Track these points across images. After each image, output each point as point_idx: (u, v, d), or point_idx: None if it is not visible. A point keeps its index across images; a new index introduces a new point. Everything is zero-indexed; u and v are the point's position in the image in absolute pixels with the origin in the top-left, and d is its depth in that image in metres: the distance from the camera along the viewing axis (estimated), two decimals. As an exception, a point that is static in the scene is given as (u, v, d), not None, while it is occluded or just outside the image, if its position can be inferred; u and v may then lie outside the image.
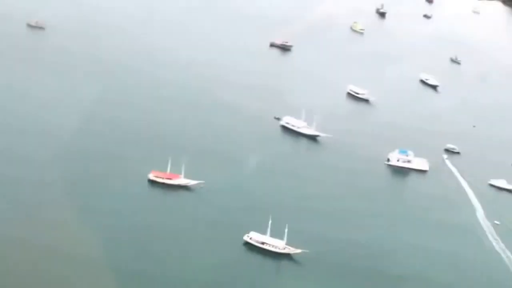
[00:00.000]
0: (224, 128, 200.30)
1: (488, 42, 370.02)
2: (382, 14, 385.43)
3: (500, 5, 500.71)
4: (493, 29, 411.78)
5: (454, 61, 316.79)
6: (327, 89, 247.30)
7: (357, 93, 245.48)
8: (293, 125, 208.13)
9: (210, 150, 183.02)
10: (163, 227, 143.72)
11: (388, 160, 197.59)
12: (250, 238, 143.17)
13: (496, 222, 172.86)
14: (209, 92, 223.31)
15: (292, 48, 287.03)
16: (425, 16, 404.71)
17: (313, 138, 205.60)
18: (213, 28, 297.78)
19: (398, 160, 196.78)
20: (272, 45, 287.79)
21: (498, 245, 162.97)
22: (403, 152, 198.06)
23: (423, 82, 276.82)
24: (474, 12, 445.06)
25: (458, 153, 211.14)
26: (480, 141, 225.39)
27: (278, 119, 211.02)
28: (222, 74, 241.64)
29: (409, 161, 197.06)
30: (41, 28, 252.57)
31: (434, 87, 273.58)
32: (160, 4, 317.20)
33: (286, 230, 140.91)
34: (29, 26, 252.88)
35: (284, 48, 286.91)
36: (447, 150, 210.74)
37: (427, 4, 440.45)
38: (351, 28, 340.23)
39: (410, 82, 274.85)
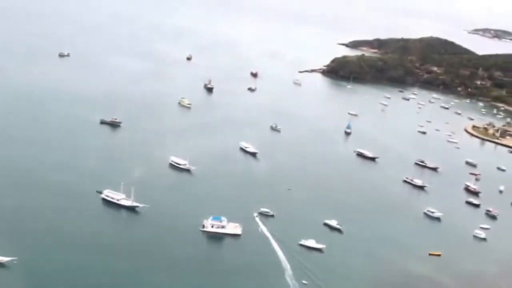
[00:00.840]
0: (46, 205, 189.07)
1: (308, 109, 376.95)
2: (209, 89, 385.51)
3: (320, 76, 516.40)
4: (312, 98, 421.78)
5: (274, 129, 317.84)
6: (150, 161, 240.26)
7: (179, 164, 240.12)
8: (112, 198, 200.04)
9: (28, 228, 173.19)
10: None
11: (203, 226, 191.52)
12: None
13: (304, 282, 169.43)
14: (32, 171, 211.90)
15: (122, 124, 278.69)
16: (250, 89, 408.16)
17: (132, 209, 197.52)
18: (43, 106, 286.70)
19: (212, 226, 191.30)
20: (102, 122, 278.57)
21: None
22: (217, 218, 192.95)
23: (243, 150, 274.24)
24: (296, 83, 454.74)
25: (272, 216, 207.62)
26: (294, 203, 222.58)
27: (100, 192, 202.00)
28: (48, 152, 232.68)
29: (223, 227, 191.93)
30: None
31: (253, 154, 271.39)
32: None
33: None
34: None
35: (114, 125, 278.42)
36: (261, 214, 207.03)
37: (252, 78, 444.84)
38: (179, 103, 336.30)
39: (231, 151, 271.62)
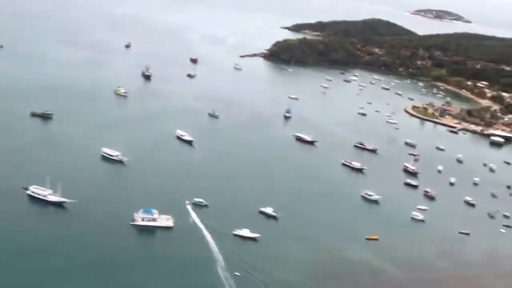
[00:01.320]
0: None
1: (247, 94, 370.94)
2: (147, 77, 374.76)
3: (261, 60, 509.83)
4: (252, 82, 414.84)
5: (212, 115, 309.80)
6: (81, 153, 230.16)
7: (111, 155, 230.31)
8: (39, 194, 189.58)
9: None
10: None
11: (134, 220, 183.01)
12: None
13: (236, 273, 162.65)
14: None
15: (54, 116, 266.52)
16: (189, 75, 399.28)
17: (59, 205, 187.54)
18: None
19: (143, 220, 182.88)
20: (33, 114, 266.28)
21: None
22: (148, 211, 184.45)
23: (179, 138, 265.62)
24: (236, 68, 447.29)
25: (206, 206, 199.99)
26: (229, 192, 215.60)
27: (26, 188, 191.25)
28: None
29: (154, 220, 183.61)
30: None
31: (189, 142, 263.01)
32: None
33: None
34: None
35: (45, 117, 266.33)
36: (195, 204, 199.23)
37: (191, 64, 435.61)
38: (115, 92, 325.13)
39: (167, 139, 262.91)
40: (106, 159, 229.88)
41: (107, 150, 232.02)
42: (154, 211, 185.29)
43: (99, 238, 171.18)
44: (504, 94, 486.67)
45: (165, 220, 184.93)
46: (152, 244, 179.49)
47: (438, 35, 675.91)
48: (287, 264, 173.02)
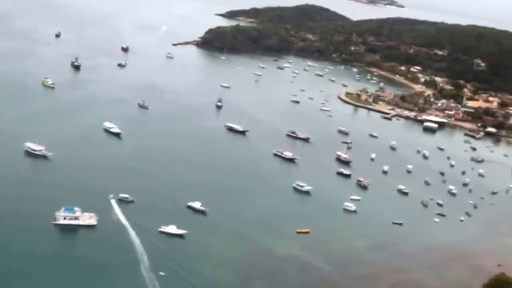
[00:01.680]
0: None
1: (179, 84, 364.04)
2: (76, 67, 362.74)
3: (194, 48, 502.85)
4: (185, 71, 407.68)
5: (142, 106, 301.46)
6: (2, 149, 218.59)
7: (34, 150, 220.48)
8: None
9: None
10: None
11: (55, 219, 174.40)
12: None
13: (161, 273, 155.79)
14: None
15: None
16: (119, 65, 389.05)
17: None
18: None
19: (65, 218, 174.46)
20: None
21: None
22: (69, 209, 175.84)
23: (106, 131, 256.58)
24: (168, 57, 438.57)
25: (132, 201, 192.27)
26: (157, 186, 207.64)
27: None
28: None
29: (76, 218, 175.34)
30: None
31: (117, 134, 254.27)
32: None
33: None
34: None
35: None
36: (120, 200, 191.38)
37: (122, 53, 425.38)
38: (42, 83, 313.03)
39: (94, 132, 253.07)
40: (29, 154, 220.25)
41: (30, 145, 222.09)
42: (77, 208, 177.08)
43: (18, 239, 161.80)
44: (437, 78, 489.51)
45: (88, 218, 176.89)
46: (73, 244, 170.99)
47: (371, 20, 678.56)
48: (215, 262, 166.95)
